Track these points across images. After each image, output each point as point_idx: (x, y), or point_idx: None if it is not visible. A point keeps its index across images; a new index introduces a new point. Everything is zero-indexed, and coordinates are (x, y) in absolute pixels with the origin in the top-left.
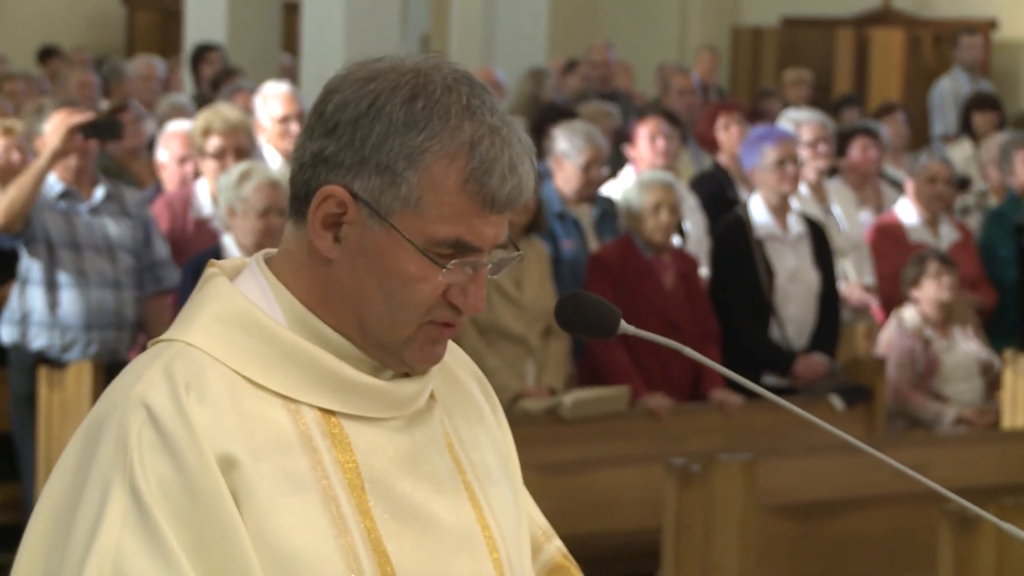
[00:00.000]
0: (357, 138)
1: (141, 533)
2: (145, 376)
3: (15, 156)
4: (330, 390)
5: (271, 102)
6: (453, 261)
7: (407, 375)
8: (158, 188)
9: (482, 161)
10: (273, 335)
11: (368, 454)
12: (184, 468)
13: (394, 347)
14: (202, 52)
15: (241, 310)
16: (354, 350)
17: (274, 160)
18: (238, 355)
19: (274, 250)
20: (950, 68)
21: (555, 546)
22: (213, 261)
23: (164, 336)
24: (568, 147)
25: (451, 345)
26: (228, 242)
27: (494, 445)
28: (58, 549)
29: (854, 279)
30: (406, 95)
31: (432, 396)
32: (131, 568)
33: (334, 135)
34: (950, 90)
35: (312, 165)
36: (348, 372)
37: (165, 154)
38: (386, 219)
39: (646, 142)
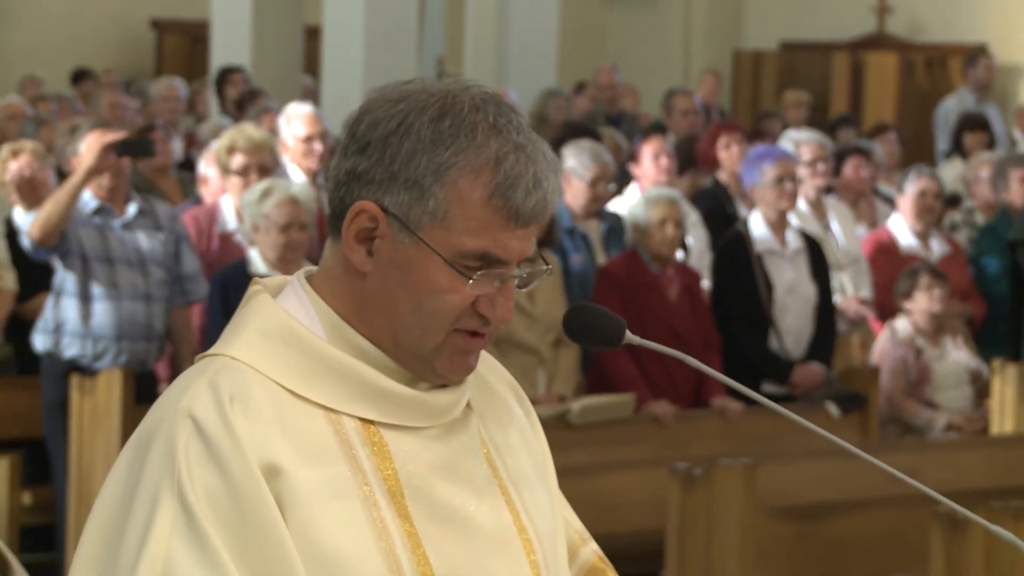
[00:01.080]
0: (387, 155)
1: (189, 540)
2: (191, 389)
3: (27, 173)
4: (369, 400)
5: (295, 122)
6: (480, 272)
7: (443, 386)
8: (196, 201)
9: (507, 176)
10: (313, 348)
11: (407, 461)
12: (230, 477)
13: (425, 357)
14: (226, 74)
15: (282, 324)
16: (390, 361)
17: (298, 178)
18: (280, 368)
19: (314, 268)
20: (954, 88)
21: (591, 549)
22: (257, 279)
23: (210, 351)
24: (576, 164)
25: (485, 355)
26: (254, 256)
27: (529, 450)
28: (110, 556)
29: (851, 292)
30: (434, 114)
31: (468, 405)
32: (180, 573)
33: (365, 153)
34: (955, 109)
35: (346, 183)
36: (386, 383)
37: (212, 170)
38: (415, 232)
39: (650, 160)
